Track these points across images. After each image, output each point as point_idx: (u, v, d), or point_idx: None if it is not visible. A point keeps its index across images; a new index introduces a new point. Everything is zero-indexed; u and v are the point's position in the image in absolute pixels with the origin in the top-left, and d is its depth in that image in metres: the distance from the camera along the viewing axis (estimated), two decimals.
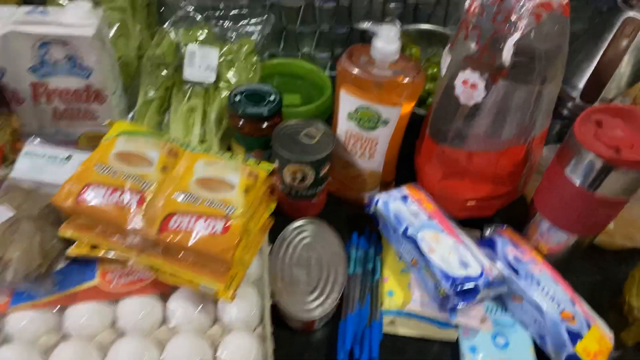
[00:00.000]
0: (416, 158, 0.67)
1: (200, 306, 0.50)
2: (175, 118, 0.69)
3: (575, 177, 0.52)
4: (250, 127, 0.65)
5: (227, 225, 0.45)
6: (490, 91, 0.52)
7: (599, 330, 0.54)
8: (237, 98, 0.65)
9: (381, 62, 0.58)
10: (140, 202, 0.47)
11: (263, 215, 0.53)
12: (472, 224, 0.67)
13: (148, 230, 0.45)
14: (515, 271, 0.57)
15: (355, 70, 0.59)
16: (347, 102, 0.61)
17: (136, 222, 0.46)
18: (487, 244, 0.60)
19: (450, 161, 0.60)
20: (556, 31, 0.51)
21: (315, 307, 0.55)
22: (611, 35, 0.84)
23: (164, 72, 0.70)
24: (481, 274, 0.53)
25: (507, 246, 0.60)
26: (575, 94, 0.92)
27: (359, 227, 0.68)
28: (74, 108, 0.64)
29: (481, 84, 0.51)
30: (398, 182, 0.71)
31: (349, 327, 0.54)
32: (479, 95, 0.52)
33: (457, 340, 0.57)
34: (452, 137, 0.58)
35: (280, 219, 0.66)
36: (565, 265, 0.66)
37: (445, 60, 0.56)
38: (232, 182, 0.48)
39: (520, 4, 0.46)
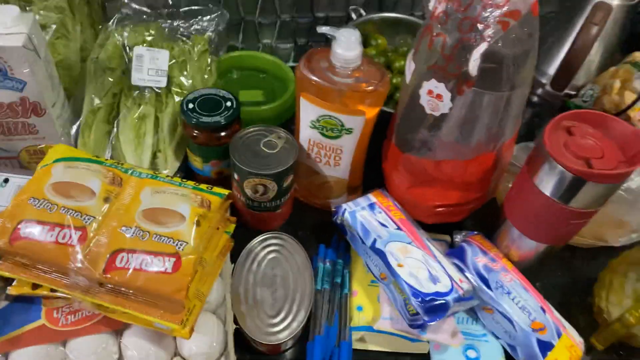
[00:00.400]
0: (383, 163, 0.64)
1: (157, 341, 0.47)
2: (125, 127, 0.64)
3: (545, 187, 0.50)
4: (206, 136, 0.61)
5: (177, 262, 0.42)
6: (457, 101, 0.49)
7: (569, 338, 0.54)
8: (190, 106, 0.61)
9: (342, 69, 0.55)
10: (82, 239, 0.43)
11: (221, 240, 0.50)
12: (442, 228, 0.65)
13: (92, 270, 0.42)
14: (486, 281, 0.56)
15: (315, 78, 0.55)
16: (308, 110, 0.58)
17: (78, 261, 0.42)
18: (457, 253, 0.59)
19: (417, 170, 0.58)
20: (525, 34, 0.48)
21: (281, 329, 0.53)
22: (582, 20, 0.82)
23: (111, 78, 0.65)
24: (451, 289, 0.52)
25: (477, 254, 0.58)
26: (545, 80, 0.90)
27: (328, 235, 0.65)
28: (10, 122, 0.59)
29: (447, 95, 0.48)
30: (366, 185, 0.69)
31: (316, 350, 0.52)
32: (445, 105, 0.49)
33: (429, 352, 0.56)
34: (419, 146, 0.55)
35: (244, 232, 0.63)
36: (537, 267, 0.65)
37: (409, 66, 0.52)
38: (183, 213, 0.44)
39: (487, 12, 0.42)
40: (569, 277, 0.65)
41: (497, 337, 0.56)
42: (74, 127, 0.65)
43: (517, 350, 0.54)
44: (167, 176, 0.47)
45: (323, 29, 0.51)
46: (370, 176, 0.68)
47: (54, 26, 0.65)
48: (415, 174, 0.59)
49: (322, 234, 0.66)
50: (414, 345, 0.56)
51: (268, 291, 0.56)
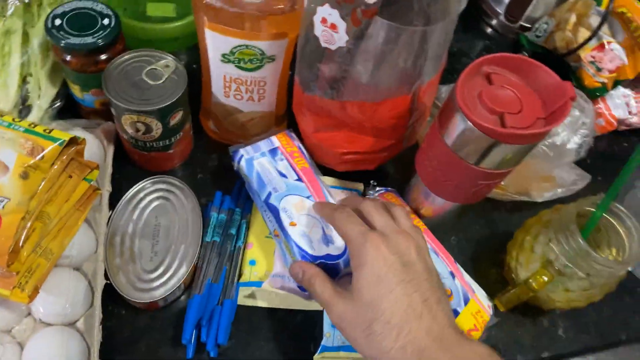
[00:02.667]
0: (293, 102, 0.56)
1: (3, 301, 0.41)
2: None
3: (454, 145, 0.43)
4: (80, 61, 0.52)
5: None
6: (355, 34, 0.40)
7: (476, 303, 0.51)
8: (57, 22, 0.50)
9: None
10: None
11: (77, 189, 0.42)
12: (358, 175, 0.59)
13: None
14: None
15: (217, 4, 0.45)
16: (218, 43, 0.48)
17: None
18: None
19: (322, 112, 0.50)
20: None
21: (157, 286, 0.48)
22: None
23: None
24: (344, 252, 0.47)
25: None
26: (501, 9, 0.81)
27: (232, 179, 0.59)
28: None
29: (341, 25, 0.39)
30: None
31: (191, 310, 0.48)
32: (340, 38, 0.40)
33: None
34: (320, 85, 0.47)
35: (134, 172, 0.57)
36: (453, 221, 0.61)
37: None
38: (6, 163, 0.36)
39: None
40: (487, 230, 0.62)
41: None
42: None
43: None
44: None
45: None
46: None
47: None
48: (321, 117, 0.51)
49: (227, 177, 0.59)
50: (308, 302, 0.52)
51: (148, 243, 0.50)
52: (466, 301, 0.50)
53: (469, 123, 0.40)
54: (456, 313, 0.49)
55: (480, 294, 0.53)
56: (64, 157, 0.39)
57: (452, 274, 0.51)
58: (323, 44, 0.42)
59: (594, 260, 0.46)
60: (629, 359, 1.01)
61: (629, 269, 0.61)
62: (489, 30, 0.84)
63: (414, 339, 0.34)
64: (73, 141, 0.40)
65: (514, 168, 0.45)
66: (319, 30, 0.41)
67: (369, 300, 0.35)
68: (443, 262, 0.51)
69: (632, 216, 0.62)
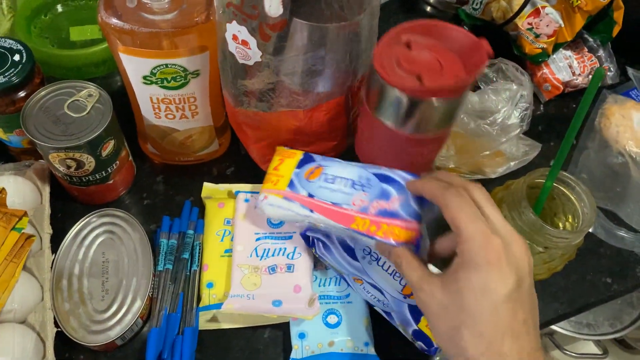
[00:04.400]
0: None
1: None
2: None
3: (382, 115, 0.42)
4: None
5: None
6: (275, 47, 0.39)
7: None
8: None
9: (157, 4, 0.43)
10: None
11: (6, 240, 0.40)
12: None
13: None
14: (352, 251, 0.49)
15: (127, 26, 0.43)
16: (136, 66, 0.46)
17: None
18: None
19: (258, 124, 0.49)
20: None
21: (112, 325, 0.46)
22: None
23: None
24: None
25: None
26: None
27: (180, 199, 0.57)
28: None
29: (252, 42, 0.37)
30: None
31: (151, 345, 0.46)
32: (254, 54, 0.39)
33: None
34: (249, 100, 0.45)
35: (76, 208, 0.55)
36: None
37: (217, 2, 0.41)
38: None
39: None
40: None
41: (372, 305, 0.51)
42: None
43: (392, 315, 0.49)
44: None
45: None
46: None
47: None
48: (258, 129, 0.50)
49: (175, 199, 0.57)
50: (273, 317, 0.50)
51: (98, 281, 0.48)
52: None
53: (391, 87, 0.39)
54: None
55: None
56: None
57: None
58: (240, 61, 0.40)
59: (548, 233, 0.46)
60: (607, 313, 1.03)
61: (590, 230, 0.61)
62: (429, 8, 0.83)
63: (502, 356, 0.32)
64: None
65: (442, 134, 0.44)
66: (232, 47, 0.40)
67: (466, 305, 0.33)
68: None
69: (587, 176, 0.63)
